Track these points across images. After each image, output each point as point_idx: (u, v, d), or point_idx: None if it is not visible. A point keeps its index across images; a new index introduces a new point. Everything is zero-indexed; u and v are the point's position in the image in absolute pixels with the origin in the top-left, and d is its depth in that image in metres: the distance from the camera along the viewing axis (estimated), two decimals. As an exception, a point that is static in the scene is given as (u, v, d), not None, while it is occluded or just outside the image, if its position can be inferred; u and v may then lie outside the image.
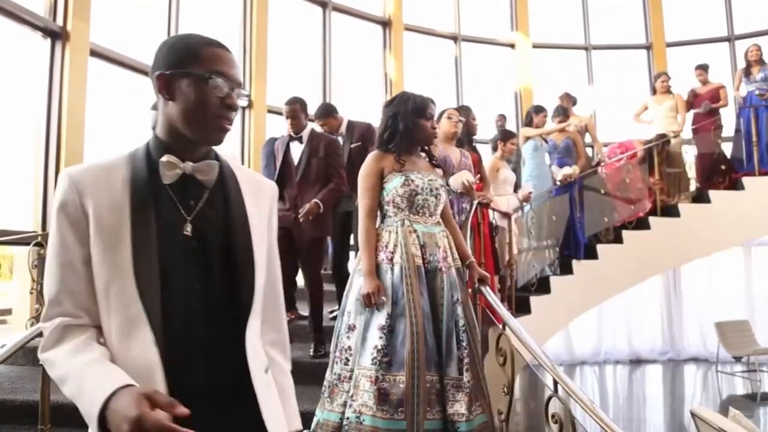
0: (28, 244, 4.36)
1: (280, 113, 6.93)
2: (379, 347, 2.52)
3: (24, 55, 4.92)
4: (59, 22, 4.93)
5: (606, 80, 9.27)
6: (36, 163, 4.83)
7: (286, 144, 4.06)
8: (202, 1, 6.70)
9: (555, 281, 5.81)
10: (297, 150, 4.00)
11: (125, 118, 5.71)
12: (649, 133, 7.06)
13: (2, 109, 4.78)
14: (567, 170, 6.10)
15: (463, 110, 4.71)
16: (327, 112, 4.75)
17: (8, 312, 4.89)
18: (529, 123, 6.31)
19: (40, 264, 4.42)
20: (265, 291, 1.24)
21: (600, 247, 6.29)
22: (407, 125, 2.74)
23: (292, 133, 4.03)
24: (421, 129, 2.77)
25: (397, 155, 2.75)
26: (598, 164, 6.91)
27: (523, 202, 5.41)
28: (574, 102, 7.03)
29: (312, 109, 4.57)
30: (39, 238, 4.44)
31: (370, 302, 2.57)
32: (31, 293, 4.37)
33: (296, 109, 4.04)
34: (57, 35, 4.92)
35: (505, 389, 2.54)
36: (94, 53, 5.17)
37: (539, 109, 6.41)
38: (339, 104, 6.24)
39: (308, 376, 3.42)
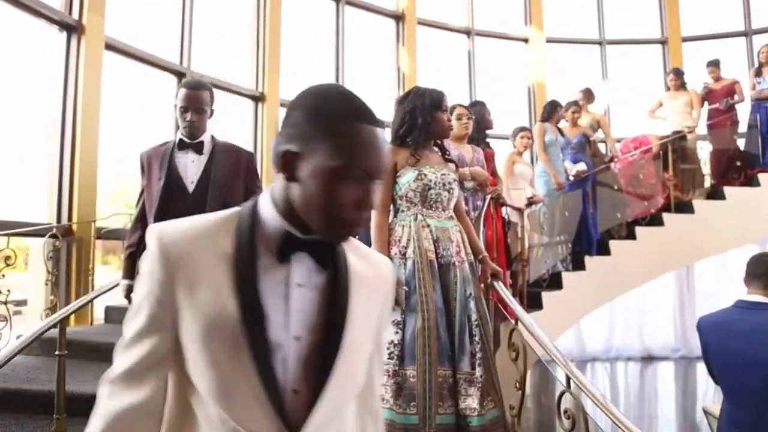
0: (43, 235, 4.41)
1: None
2: (395, 342, 2.53)
3: (40, 49, 4.96)
4: (75, 15, 4.96)
5: (620, 75, 9.19)
6: (51, 155, 4.88)
7: (169, 153, 2.60)
8: (216, -6, 6.72)
9: (567, 277, 5.79)
10: (192, 165, 2.60)
11: (140, 111, 5.75)
12: (664, 128, 7.00)
13: (19, 101, 4.83)
14: (580, 166, 6.06)
15: (478, 106, 4.69)
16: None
17: (23, 303, 4.94)
18: (547, 118, 6.21)
19: (54, 255, 4.47)
20: None
21: (613, 243, 6.25)
22: (425, 119, 2.74)
23: (185, 136, 2.60)
24: (438, 122, 2.78)
25: (414, 150, 2.75)
26: (611, 160, 6.86)
27: (531, 204, 5.37)
28: (591, 99, 6.97)
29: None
30: (54, 230, 4.49)
31: None
32: (46, 284, 4.42)
33: (204, 98, 2.60)
34: (73, 29, 4.96)
35: (517, 384, 2.53)
36: (109, 46, 5.20)
37: (556, 105, 6.32)
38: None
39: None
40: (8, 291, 3.89)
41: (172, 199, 2.51)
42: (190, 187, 2.57)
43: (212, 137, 2.68)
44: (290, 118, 0.95)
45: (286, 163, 0.93)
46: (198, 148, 2.61)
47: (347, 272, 1.00)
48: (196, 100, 2.57)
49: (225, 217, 0.98)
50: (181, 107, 2.57)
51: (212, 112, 2.66)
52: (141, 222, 2.67)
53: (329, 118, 0.91)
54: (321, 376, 0.94)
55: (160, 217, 2.40)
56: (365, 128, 0.92)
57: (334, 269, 0.98)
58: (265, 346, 0.90)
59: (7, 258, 3.94)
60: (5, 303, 3.84)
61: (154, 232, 0.94)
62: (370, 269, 1.05)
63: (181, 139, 2.62)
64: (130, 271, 2.62)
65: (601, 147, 7.15)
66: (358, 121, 0.91)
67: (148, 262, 0.94)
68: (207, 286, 0.91)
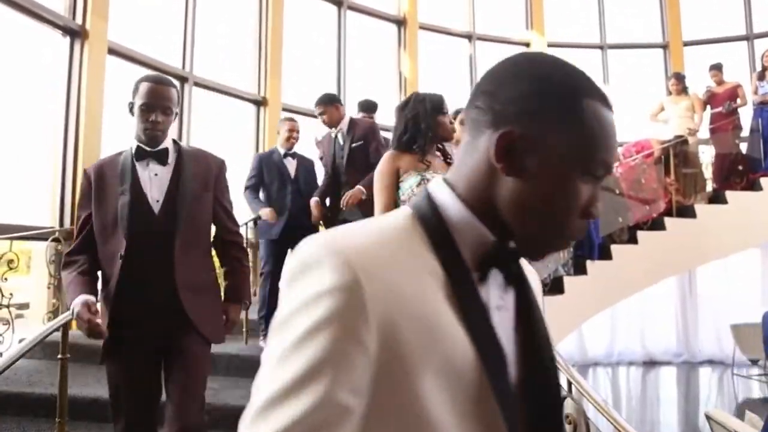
0: (46, 239, 4.42)
1: (294, 111, 7.02)
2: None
3: (44, 53, 4.98)
4: (78, 20, 4.98)
5: (622, 80, 9.20)
6: (54, 159, 4.89)
7: (130, 164, 2.11)
8: (218, -1, 6.75)
9: (569, 281, 5.79)
10: (156, 179, 2.13)
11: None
12: (666, 132, 7.01)
13: (22, 105, 4.84)
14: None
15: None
16: (330, 98, 4.34)
17: (26, 306, 4.95)
18: None
19: (57, 259, 4.48)
20: None
21: (614, 248, 6.25)
22: (429, 124, 2.77)
23: (144, 144, 2.12)
24: (441, 125, 2.81)
25: (422, 156, 2.77)
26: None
27: None
28: None
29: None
30: (57, 234, 4.50)
31: None
32: (49, 288, 4.42)
33: (172, 95, 2.14)
34: (76, 33, 4.98)
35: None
36: (112, 51, 5.22)
37: None
38: (353, 103, 6.31)
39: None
40: (11, 294, 3.90)
41: (137, 221, 2.06)
42: (156, 207, 2.09)
43: (174, 142, 2.20)
44: (503, 90, 0.70)
45: (509, 149, 0.68)
46: (161, 158, 2.12)
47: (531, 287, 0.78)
48: (164, 96, 2.10)
49: (400, 221, 0.71)
50: (143, 105, 2.07)
51: (176, 114, 2.20)
52: (86, 255, 2.13)
53: (576, 95, 0.69)
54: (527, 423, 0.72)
55: (129, 243, 2.04)
56: (610, 115, 0.71)
57: (519, 285, 0.75)
58: (510, 397, 0.67)
59: (10, 261, 3.95)
60: (8, 306, 3.84)
61: (334, 253, 0.62)
62: (531, 278, 0.82)
63: (139, 147, 2.11)
64: (83, 284, 2.08)
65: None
66: (603, 104, 0.70)
67: (329, 301, 0.60)
68: (426, 323, 0.63)
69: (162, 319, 2.09)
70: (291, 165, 4.58)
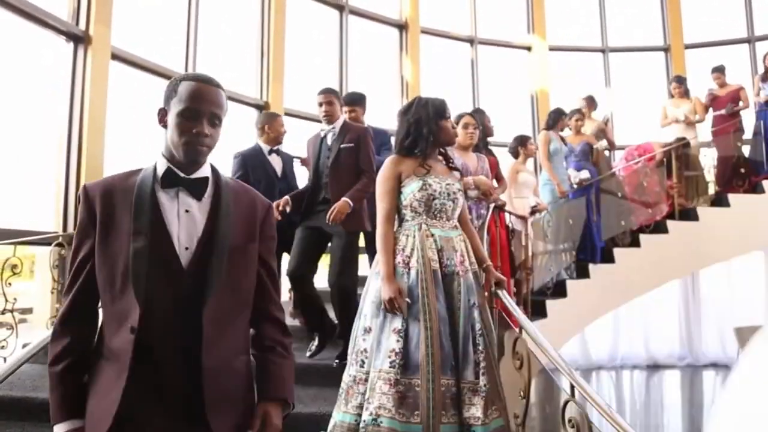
0: (50, 244, 4.43)
1: (296, 116, 7.04)
2: (397, 350, 2.53)
3: (48, 59, 5.01)
4: (82, 26, 5.01)
5: (623, 83, 9.20)
6: (58, 164, 4.91)
7: (149, 191, 1.48)
8: (221, 4, 6.77)
9: (571, 285, 5.78)
10: (187, 218, 1.48)
11: (145, 121, 5.79)
12: (668, 135, 7.01)
13: (26, 111, 4.86)
14: (584, 174, 6.07)
15: (478, 113, 4.72)
16: (338, 93, 4.02)
17: (29, 311, 4.96)
18: (552, 126, 6.22)
19: (60, 264, 4.49)
20: None
21: (617, 251, 6.24)
22: (431, 129, 2.78)
23: (179, 166, 1.49)
24: (444, 130, 2.82)
25: (423, 160, 2.78)
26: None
27: (535, 213, 5.37)
28: (594, 106, 6.99)
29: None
30: (60, 239, 4.51)
31: (392, 307, 2.58)
32: (52, 293, 4.43)
33: (223, 102, 1.52)
34: (80, 39, 5.00)
35: (522, 393, 2.53)
36: (115, 57, 5.24)
37: (561, 113, 6.33)
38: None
39: (327, 378, 3.44)
40: (14, 299, 3.91)
41: (156, 278, 1.41)
42: (184, 258, 1.44)
43: (213, 169, 1.55)
44: None
45: None
46: (197, 189, 1.48)
47: None
48: (212, 101, 1.47)
49: None
50: (185, 110, 1.44)
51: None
52: (83, 324, 1.48)
53: None
54: None
55: (145, 312, 1.37)
56: None
57: None
58: None
59: (14, 266, 3.96)
60: (11, 311, 3.85)
61: None
62: None
63: (169, 169, 1.47)
64: (73, 395, 1.43)
65: (606, 154, 7.16)
66: None
67: None
68: None
69: None
70: (276, 162, 4.35)
